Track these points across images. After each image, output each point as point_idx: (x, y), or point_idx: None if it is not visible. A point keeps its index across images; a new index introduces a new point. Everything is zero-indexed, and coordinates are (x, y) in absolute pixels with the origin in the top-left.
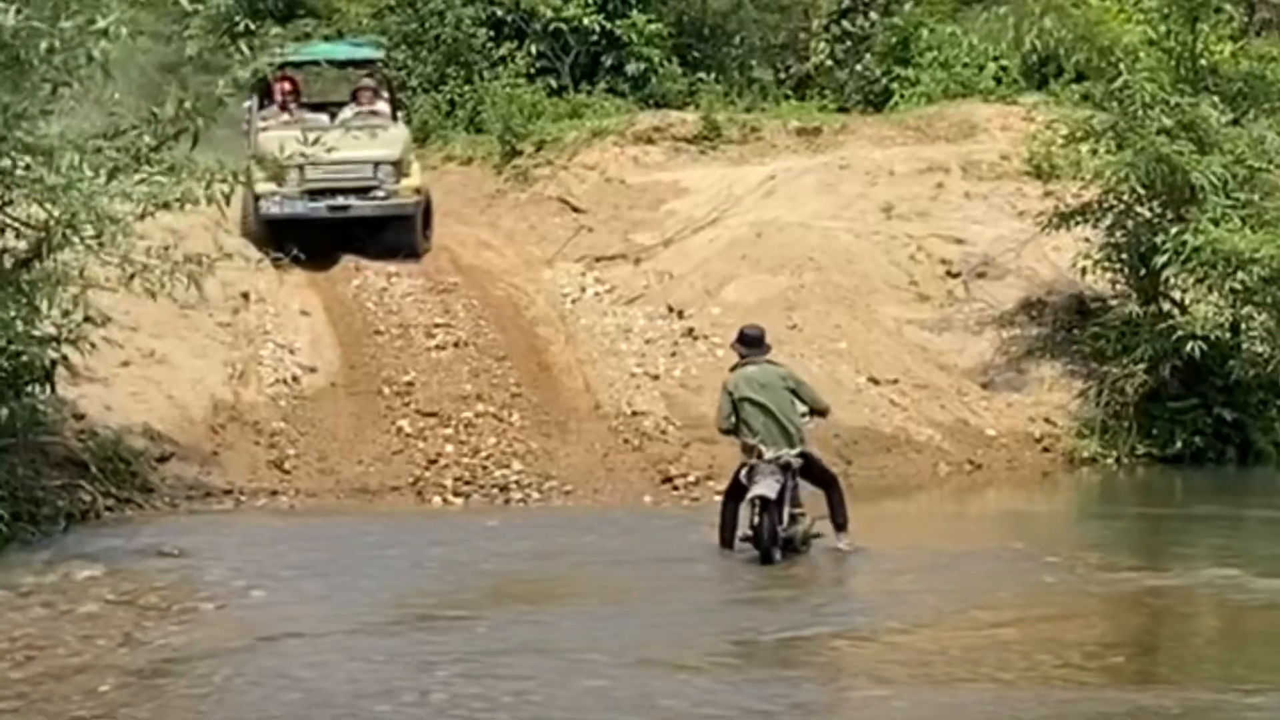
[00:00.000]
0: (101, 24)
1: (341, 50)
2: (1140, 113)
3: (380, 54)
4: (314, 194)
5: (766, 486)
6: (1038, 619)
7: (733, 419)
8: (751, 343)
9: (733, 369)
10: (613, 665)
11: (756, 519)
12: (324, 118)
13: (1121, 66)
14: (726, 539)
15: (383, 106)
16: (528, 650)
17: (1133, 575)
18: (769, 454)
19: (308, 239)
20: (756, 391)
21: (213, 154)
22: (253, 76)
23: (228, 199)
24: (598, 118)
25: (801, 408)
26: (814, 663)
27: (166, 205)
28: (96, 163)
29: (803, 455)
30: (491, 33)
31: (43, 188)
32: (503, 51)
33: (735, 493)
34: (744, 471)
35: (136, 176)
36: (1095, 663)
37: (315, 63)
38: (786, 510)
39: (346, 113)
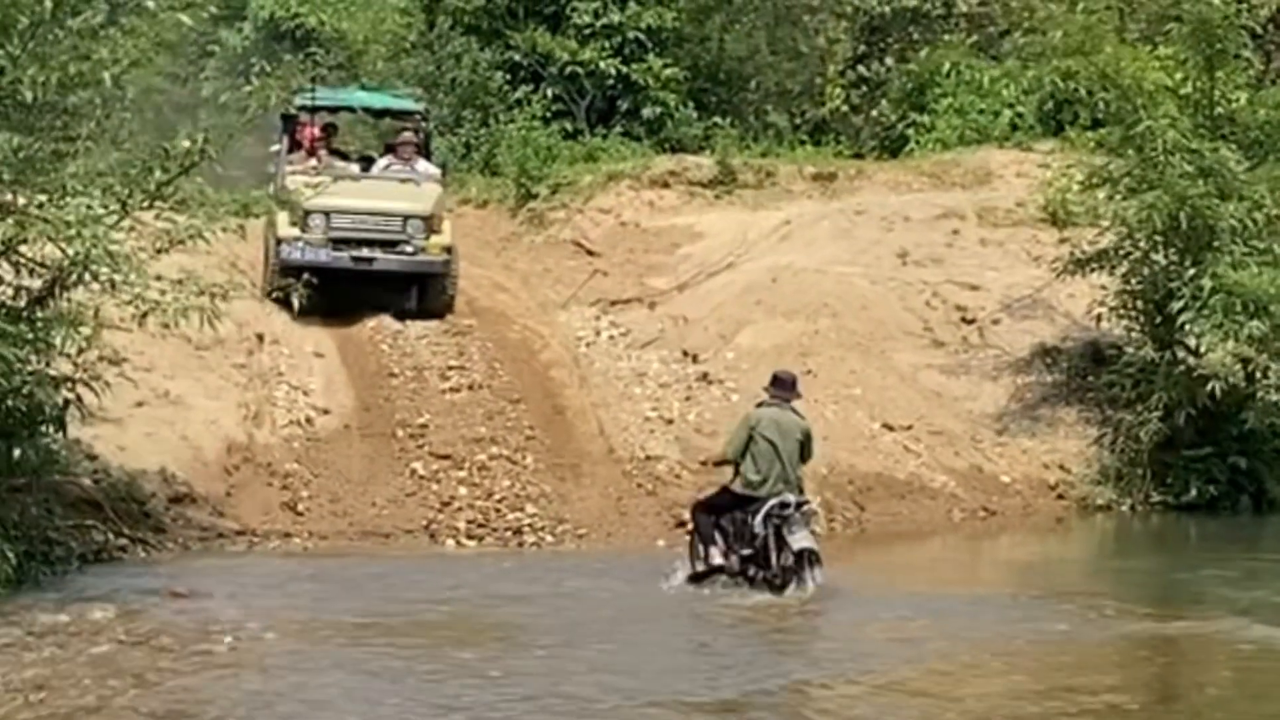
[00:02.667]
0: (104, 53)
1: (379, 99)
2: (1161, 158)
3: (420, 106)
4: (338, 243)
5: (807, 539)
6: (1052, 666)
7: (741, 450)
8: (783, 386)
9: (759, 405)
10: (627, 711)
11: (793, 565)
12: (354, 167)
13: (1142, 112)
14: (703, 552)
15: (424, 166)
16: (542, 694)
17: (1147, 623)
18: (793, 500)
19: (328, 291)
20: (773, 433)
21: (226, 194)
22: (262, 108)
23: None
24: (613, 161)
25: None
26: (827, 710)
27: (181, 241)
28: (109, 201)
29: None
30: (508, 76)
31: (56, 226)
32: (519, 95)
33: (715, 509)
34: (763, 518)
35: (150, 213)
36: (1110, 711)
37: (350, 109)
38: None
39: (382, 163)
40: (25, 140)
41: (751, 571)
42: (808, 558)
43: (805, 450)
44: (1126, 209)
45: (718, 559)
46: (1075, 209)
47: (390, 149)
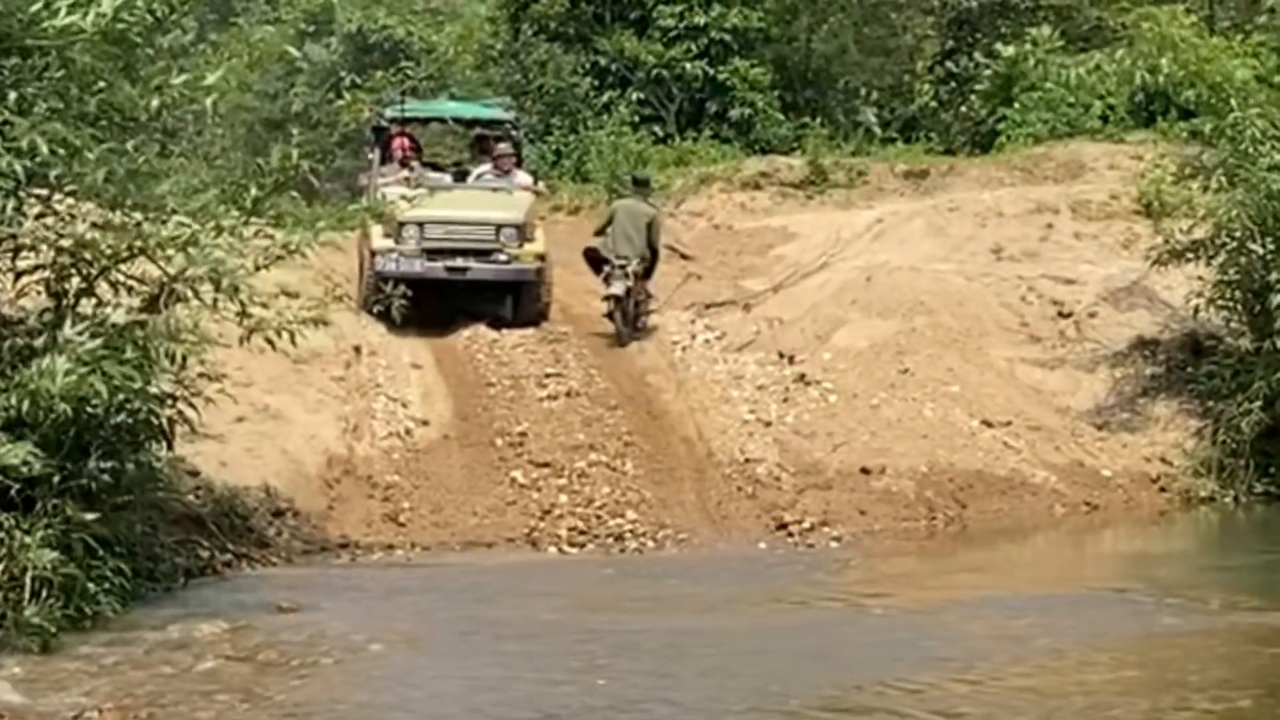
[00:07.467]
0: (210, 79)
1: (470, 109)
2: (1251, 149)
3: (511, 115)
4: (432, 254)
5: (619, 287)
6: (1161, 661)
7: (603, 225)
8: (639, 184)
9: (620, 197)
10: (740, 714)
11: (613, 309)
12: (446, 177)
13: (1233, 103)
14: (605, 286)
15: (522, 176)
16: (653, 701)
17: (1255, 615)
18: (619, 261)
19: (423, 301)
20: (625, 217)
21: (319, 208)
22: (353, 121)
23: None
24: (704, 164)
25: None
26: (936, 709)
27: (280, 257)
28: (206, 217)
29: (644, 264)
30: (595, 81)
31: (156, 244)
32: (606, 100)
33: (594, 258)
34: (605, 272)
35: (249, 230)
36: (1221, 705)
37: (441, 120)
38: (633, 301)
39: (480, 169)
40: (131, 156)
41: (608, 307)
42: (618, 299)
43: (652, 229)
44: (1215, 203)
45: (615, 289)
46: (1170, 200)
47: (482, 152)
